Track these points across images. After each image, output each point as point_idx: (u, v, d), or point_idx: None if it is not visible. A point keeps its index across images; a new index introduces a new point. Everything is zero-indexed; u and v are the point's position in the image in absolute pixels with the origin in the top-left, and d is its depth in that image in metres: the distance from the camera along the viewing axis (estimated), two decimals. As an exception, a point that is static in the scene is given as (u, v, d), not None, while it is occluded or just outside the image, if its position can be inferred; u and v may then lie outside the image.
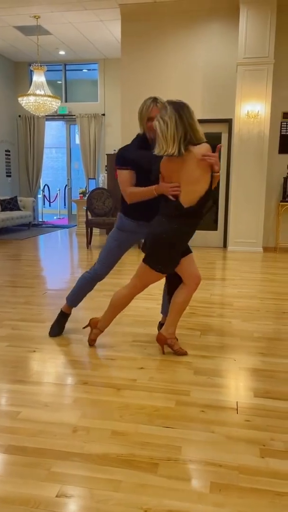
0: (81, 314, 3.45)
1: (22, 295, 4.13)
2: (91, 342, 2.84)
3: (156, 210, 2.58)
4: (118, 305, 2.71)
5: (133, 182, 2.59)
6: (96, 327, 2.81)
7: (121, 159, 2.61)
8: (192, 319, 3.41)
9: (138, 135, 2.68)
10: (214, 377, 2.42)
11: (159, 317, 3.08)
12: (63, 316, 3.09)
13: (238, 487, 1.53)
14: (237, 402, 2.13)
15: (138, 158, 2.54)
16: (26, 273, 5.15)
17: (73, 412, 2.02)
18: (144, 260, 2.54)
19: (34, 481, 1.56)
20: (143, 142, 2.62)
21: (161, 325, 3.03)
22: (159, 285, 3.00)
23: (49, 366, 2.58)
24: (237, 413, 2.03)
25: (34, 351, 2.77)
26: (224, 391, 2.28)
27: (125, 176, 2.58)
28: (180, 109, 2.30)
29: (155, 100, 2.56)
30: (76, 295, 3.02)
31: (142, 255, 2.56)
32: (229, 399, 2.16)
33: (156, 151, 2.33)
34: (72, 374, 2.47)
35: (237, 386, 2.35)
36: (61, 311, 3.09)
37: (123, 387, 2.27)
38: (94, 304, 3.72)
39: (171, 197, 2.40)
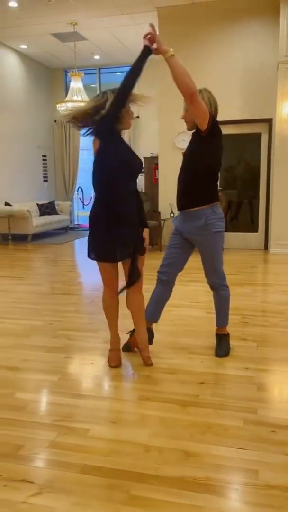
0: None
1: (70, 302, 4.17)
2: None
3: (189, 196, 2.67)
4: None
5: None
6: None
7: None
8: (246, 329, 3.35)
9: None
10: (279, 394, 2.37)
11: (209, 326, 3.01)
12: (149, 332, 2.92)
13: None
14: (307, 421, 2.07)
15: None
16: (70, 280, 5.21)
17: (142, 430, 2.01)
18: None
19: (115, 504, 1.56)
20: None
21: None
22: (206, 293, 2.97)
23: (109, 379, 2.58)
24: (310, 434, 1.97)
25: (92, 363, 2.79)
26: (291, 408, 2.22)
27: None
28: None
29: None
30: (155, 307, 2.93)
31: None
32: (298, 418, 2.11)
33: None
34: (133, 388, 2.47)
35: (303, 403, 2.29)
36: (147, 328, 2.88)
37: (187, 403, 2.25)
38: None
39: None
